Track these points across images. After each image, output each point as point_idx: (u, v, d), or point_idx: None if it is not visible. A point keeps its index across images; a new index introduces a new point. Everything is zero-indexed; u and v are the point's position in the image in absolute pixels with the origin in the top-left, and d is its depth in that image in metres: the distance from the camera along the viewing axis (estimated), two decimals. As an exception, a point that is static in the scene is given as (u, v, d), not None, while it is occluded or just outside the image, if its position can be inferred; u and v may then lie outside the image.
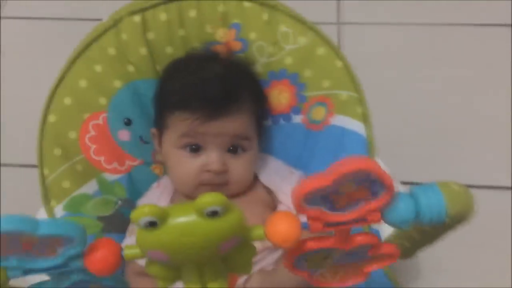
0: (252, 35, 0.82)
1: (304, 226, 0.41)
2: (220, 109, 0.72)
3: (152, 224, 0.37)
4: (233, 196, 0.77)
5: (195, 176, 0.74)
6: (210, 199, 0.37)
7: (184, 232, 0.38)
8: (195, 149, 0.74)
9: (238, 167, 0.75)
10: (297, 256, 0.44)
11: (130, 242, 0.76)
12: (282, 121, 0.85)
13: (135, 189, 0.83)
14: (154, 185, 0.84)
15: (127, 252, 0.41)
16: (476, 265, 0.96)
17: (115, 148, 0.82)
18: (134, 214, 0.37)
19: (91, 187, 0.79)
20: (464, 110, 1.18)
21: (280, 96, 0.84)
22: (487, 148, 1.11)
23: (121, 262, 0.42)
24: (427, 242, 0.53)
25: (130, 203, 0.82)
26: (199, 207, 0.37)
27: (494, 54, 1.25)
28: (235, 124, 0.74)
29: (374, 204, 0.39)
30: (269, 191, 0.80)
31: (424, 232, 0.49)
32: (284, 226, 0.40)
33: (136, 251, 0.41)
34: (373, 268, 0.49)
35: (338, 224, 0.40)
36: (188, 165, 0.74)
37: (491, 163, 1.09)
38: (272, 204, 0.79)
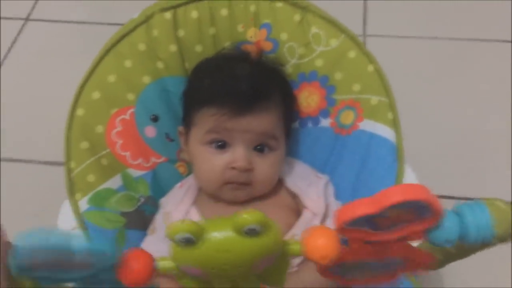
0: (283, 36, 0.80)
1: (343, 242, 0.40)
2: (248, 105, 0.71)
3: (188, 241, 0.36)
4: (256, 198, 0.76)
5: (220, 173, 0.73)
6: (249, 217, 0.36)
7: (220, 248, 0.37)
8: (222, 145, 0.73)
9: (263, 166, 0.74)
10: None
11: (151, 240, 0.76)
12: (310, 124, 0.84)
13: (159, 186, 0.83)
14: (178, 185, 0.83)
15: (160, 265, 0.41)
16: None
17: (141, 144, 0.81)
18: (169, 230, 0.36)
19: (115, 182, 0.78)
20: (485, 124, 1.17)
21: (309, 99, 0.83)
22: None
23: (154, 274, 0.41)
24: (461, 257, 0.52)
25: (152, 200, 0.82)
26: (237, 224, 0.36)
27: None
28: (263, 121, 0.73)
29: (419, 225, 0.38)
30: (293, 196, 0.79)
31: (462, 247, 0.48)
32: (322, 242, 0.38)
33: (170, 263, 0.40)
34: (405, 272, 0.47)
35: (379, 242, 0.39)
36: (213, 162, 0.73)
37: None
38: (296, 208, 0.78)
